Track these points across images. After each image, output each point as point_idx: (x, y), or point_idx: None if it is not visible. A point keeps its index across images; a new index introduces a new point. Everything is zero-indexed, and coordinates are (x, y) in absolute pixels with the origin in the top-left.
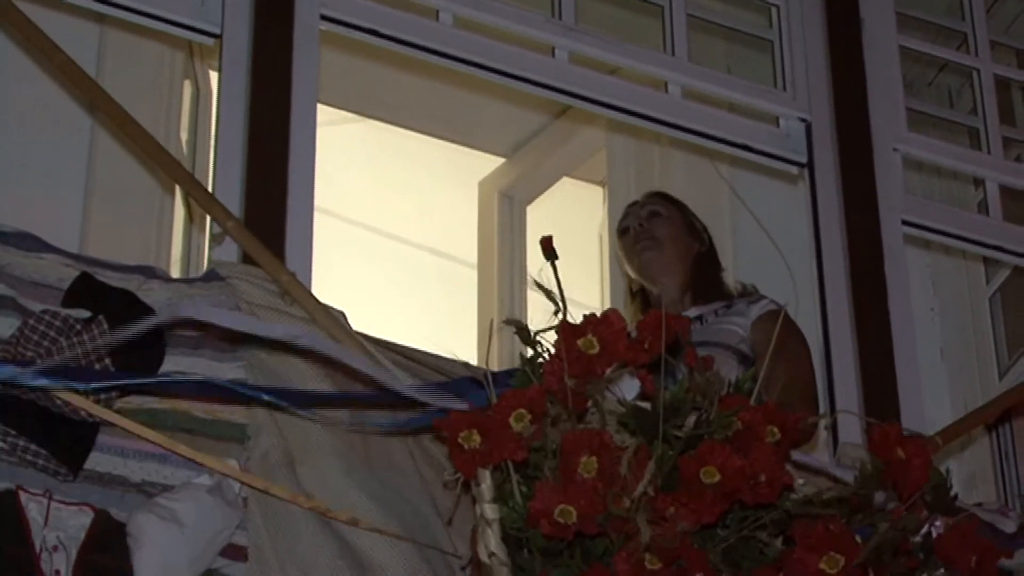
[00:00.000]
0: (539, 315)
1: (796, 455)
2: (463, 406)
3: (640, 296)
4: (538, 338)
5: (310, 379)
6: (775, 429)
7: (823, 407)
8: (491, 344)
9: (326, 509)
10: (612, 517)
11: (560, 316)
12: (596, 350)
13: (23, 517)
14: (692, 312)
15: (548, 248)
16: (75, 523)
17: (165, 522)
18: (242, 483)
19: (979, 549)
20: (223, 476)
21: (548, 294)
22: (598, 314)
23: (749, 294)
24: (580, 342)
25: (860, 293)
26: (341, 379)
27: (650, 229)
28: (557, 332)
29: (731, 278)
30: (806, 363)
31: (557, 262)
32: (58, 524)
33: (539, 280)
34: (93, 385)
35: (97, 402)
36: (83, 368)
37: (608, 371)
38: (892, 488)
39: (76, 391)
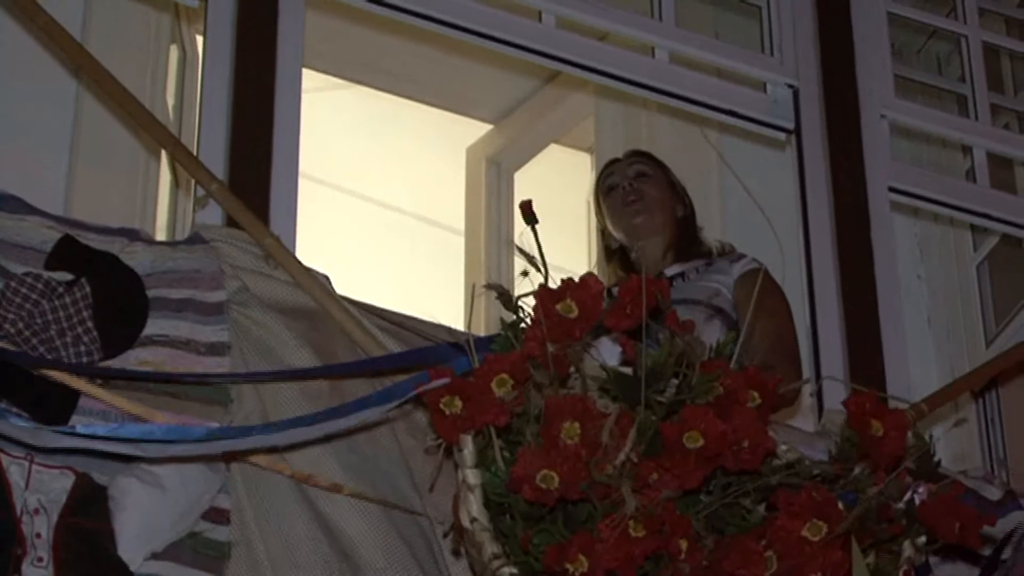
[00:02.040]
0: (526, 281)
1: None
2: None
3: (619, 255)
4: (520, 303)
5: (291, 346)
6: (755, 394)
7: (808, 372)
8: (472, 309)
9: (308, 476)
10: (595, 483)
11: (542, 280)
12: (574, 314)
13: (4, 480)
14: (673, 269)
15: (528, 212)
16: (57, 486)
17: (147, 485)
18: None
19: (962, 516)
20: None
21: (530, 259)
22: (575, 279)
23: (729, 252)
24: (559, 306)
25: (847, 260)
26: (321, 346)
27: (640, 189)
28: (535, 297)
29: (711, 237)
30: (788, 322)
31: (543, 229)
32: (40, 487)
33: (520, 245)
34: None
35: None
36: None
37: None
38: (870, 458)
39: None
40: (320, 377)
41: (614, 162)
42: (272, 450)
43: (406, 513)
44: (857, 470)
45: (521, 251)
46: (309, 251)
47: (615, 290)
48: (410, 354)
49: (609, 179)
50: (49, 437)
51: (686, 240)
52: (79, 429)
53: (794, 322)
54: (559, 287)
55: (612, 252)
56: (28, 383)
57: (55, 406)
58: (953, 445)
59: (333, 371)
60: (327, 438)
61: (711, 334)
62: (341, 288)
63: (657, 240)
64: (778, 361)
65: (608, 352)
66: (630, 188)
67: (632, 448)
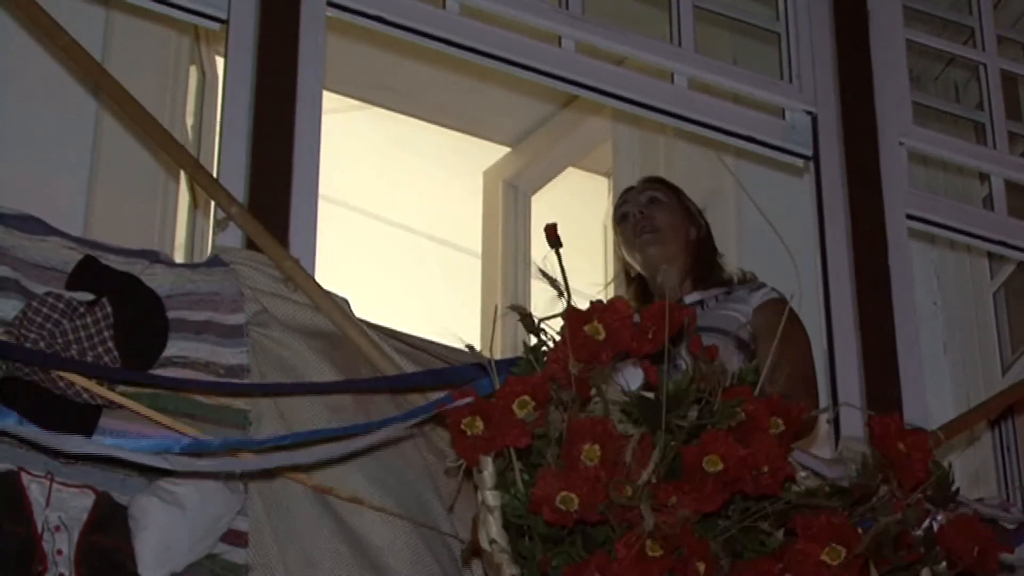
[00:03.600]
0: (543, 304)
1: (799, 455)
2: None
3: (638, 281)
4: (542, 326)
5: (312, 365)
6: (779, 420)
7: (826, 400)
8: (495, 331)
9: (329, 488)
10: (614, 505)
11: (564, 304)
12: (602, 337)
13: (25, 497)
14: (693, 297)
15: (552, 235)
16: (77, 504)
17: (167, 505)
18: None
19: (982, 540)
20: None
21: (552, 281)
22: (603, 302)
23: (749, 281)
24: (586, 328)
25: (864, 286)
26: (342, 362)
27: (651, 217)
28: (562, 319)
29: (733, 265)
30: (808, 354)
31: (561, 251)
32: (60, 505)
33: (543, 268)
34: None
35: (100, 385)
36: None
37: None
38: (892, 481)
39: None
40: (343, 391)
41: (629, 190)
42: (295, 468)
43: (430, 522)
44: (880, 493)
45: (544, 274)
46: (327, 272)
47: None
48: (434, 374)
49: (622, 207)
50: (74, 443)
51: (704, 265)
52: (106, 442)
53: (812, 353)
54: (587, 309)
55: (631, 278)
56: (49, 402)
57: (75, 426)
58: (968, 470)
59: (356, 386)
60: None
61: (728, 360)
62: (357, 310)
63: (673, 267)
64: (797, 391)
65: (630, 376)
66: (641, 216)
67: (654, 471)
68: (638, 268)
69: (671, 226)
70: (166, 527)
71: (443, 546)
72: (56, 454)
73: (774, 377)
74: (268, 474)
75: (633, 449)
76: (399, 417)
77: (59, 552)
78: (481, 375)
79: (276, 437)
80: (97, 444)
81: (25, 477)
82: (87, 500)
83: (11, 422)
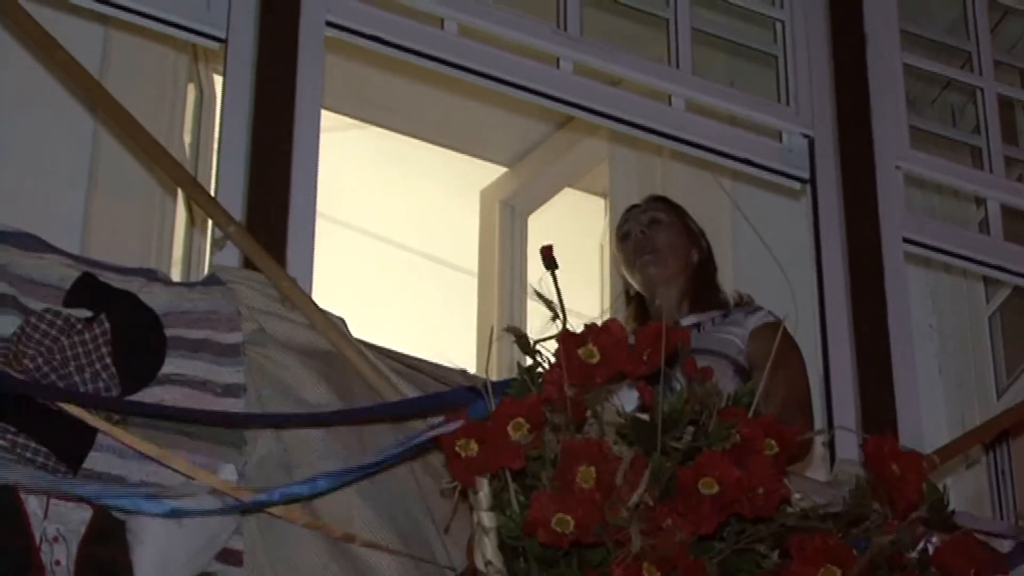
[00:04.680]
0: (539, 324)
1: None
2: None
3: (637, 300)
4: (537, 347)
5: (308, 384)
6: (773, 442)
7: (821, 423)
8: (491, 353)
9: (321, 525)
10: (608, 526)
11: (559, 325)
12: (596, 359)
13: (23, 509)
14: (690, 320)
15: (548, 257)
16: (75, 517)
17: (166, 520)
18: (236, 498)
19: (978, 561)
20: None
21: (548, 303)
22: (598, 324)
23: (746, 304)
24: (581, 351)
25: (860, 309)
26: (338, 381)
27: (652, 238)
28: (557, 341)
29: (729, 287)
30: (803, 377)
31: (557, 272)
32: (58, 517)
33: (539, 289)
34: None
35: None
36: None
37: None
38: (886, 502)
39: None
40: (336, 423)
41: (632, 208)
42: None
43: (423, 543)
44: (874, 513)
45: (540, 296)
46: (324, 292)
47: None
48: (428, 399)
49: (624, 226)
50: (67, 485)
51: (702, 287)
52: (104, 494)
53: (807, 376)
54: (582, 332)
55: (630, 298)
56: (47, 417)
57: (73, 441)
58: (964, 495)
59: (351, 417)
60: None
61: (722, 382)
62: (354, 329)
63: (672, 288)
64: (791, 415)
65: (625, 398)
66: (642, 237)
67: (645, 491)
68: (637, 288)
69: (672, 247)
70: (164, 542)
71: (435, 567)
72: (54, 470)
73: (769, 400)
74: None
75: (625, 471)
76: (397, 448)
77: (57, 563)
78: (477, 397)
79: (283, 487)
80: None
81: (22, 491)
82: (85, 514)
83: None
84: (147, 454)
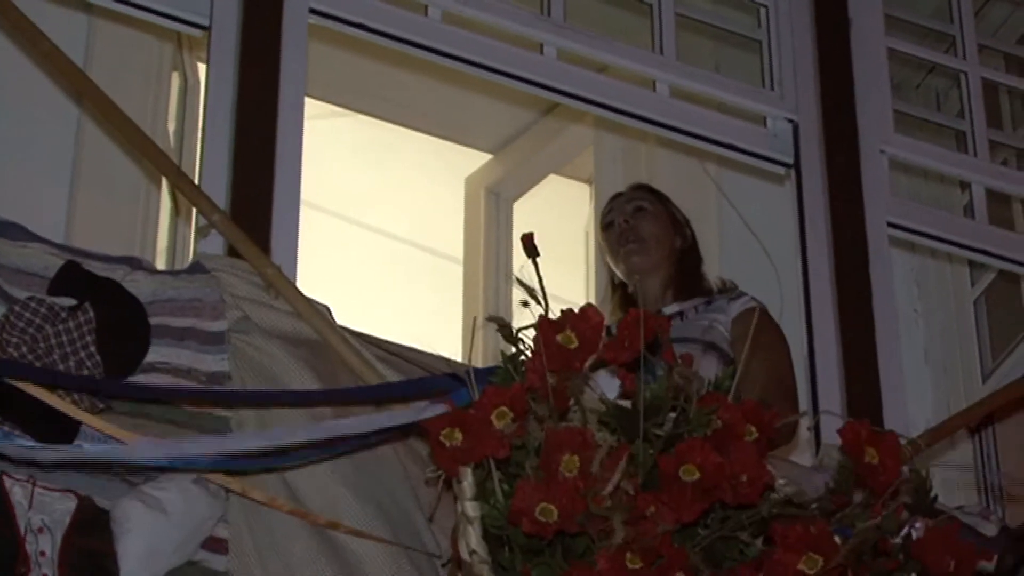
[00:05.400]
0: (524, 312)
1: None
2: (442, 408)
3: (621, 288)
4: (520, 335)
5: (293, 372)
6: (752, 428)
7: (806, 407)
8: (474, 340)
9: (306, 513)
10: (592, 516)
11: (541, 312)
12: (575, 345)
13: (7, 500)
14: (673, 308)
15: (529, 245)
16: (60, 508)
17: (150, 509)
18: (220, 485)
19: (957, 552)
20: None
21: (530, 291)
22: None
23: (730, 290)
24: (559, 337)
25: (845, 294)
26: (323, 369)
27: (636, 227)
28: (536, 328)
29: (712, 274)
30: (786, 360)
31: (542, 259)
32: (43, 508)
33: (521, 277)
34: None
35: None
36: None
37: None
38: (865, 485)
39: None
40: (322, 404)
41: (616, 197)
42: (274, 469)
43: (410, 530)
44: (856, 500)
45: (521, 283)
46: (308, 279)
47: (614, 328)
48: (411, 384)
49: (609, 215)
50: (53, 454)
51: (686, 275)
52: (86, 449)
53: (791, 360)
54: (559, 318)
55: (615, 285)
56: (32, 410)
57: (58, 428)
58: (952, 482)
59: (334, 397)
60: (334, 462)
61: (707, 369)
62: (339, 316)
63: (655, 277)
64: (775, 399)
65: (607, 385)
66: (626, 225)
67: (622, 478)
68: (621, 276)
69: (655, 236)
70: (149, 531)
71: (423, 555)
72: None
73: (752, 384)
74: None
75: (602, 459)
76: (378, 426)
77: (42, 553)
78: (460, 385)
79: (264, 459)
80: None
81: (7, 480)
82: (70, 503)
83: None
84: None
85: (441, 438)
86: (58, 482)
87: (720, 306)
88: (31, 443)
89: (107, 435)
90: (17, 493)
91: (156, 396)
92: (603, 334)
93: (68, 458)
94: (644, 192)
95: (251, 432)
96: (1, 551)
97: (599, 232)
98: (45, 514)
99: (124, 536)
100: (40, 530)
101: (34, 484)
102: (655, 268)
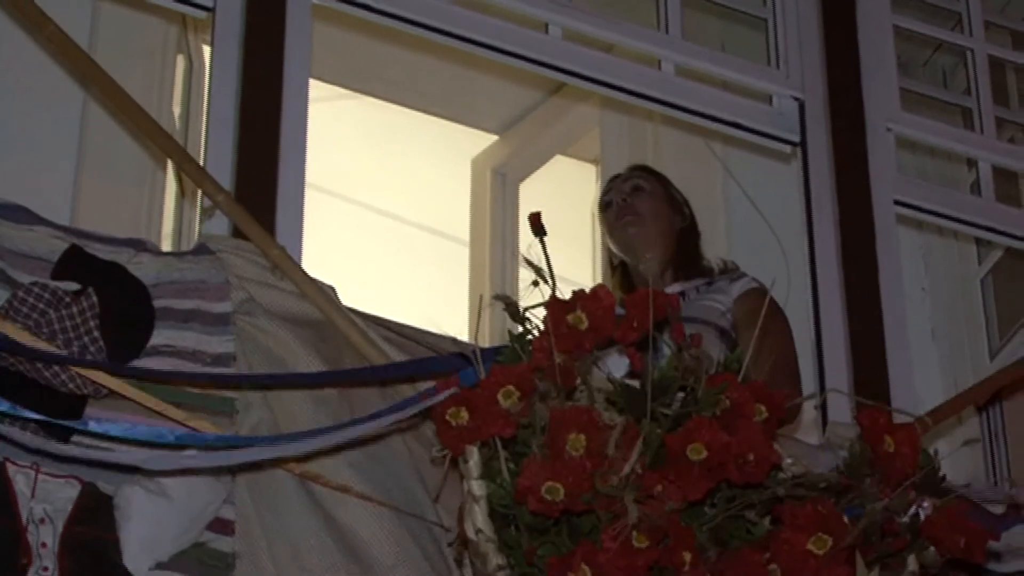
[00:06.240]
0: (531, 292)
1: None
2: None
3: (621, 270)
4: (527, 315)
5: (299, 353)
6: (762, 408)
7: (812, 386)
8: (479, 320)
9: (316, 475)
10: (599, 495)
11: (549, 292)
12: (585, 325)
13: (10, 489)
14: (674, 288)
15: (536, 224)
16: (62, 496)
17: (152, 495)
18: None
19: (968, 531)
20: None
21: (537, 271)
22: (586, 291)
23: (730, 271)
24: (569, 317)
25: (851, 272)
26: (328, 350)
27: (633, 204)
28: (545, 308)
29: (719, 253)
30: (789, 342)
31: (549, 240)
32: (45, 496)
33: (528, 257)
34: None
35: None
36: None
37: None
38: (880, 474)
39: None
40: (328, 385)
41: (614, 178)
42: (283, 460)
43: (415, 510)
44: (865, 483)
45: (529, 263)
46: (314, 261)
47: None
48: (417, 363)
49: (607, 195)
50: (61, 446)
51: (685, 255)
52: (92, 426)
53: (794, 342)
54: (570, 299)
55: (614, 268)
56: (35, 394)
57: (62, 413)
58: (959, 461)
59: (340, 378)
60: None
61: (710, 350)
62: (345, 298)
63: (654, 255)
64: (779, 381)
65: (614, 365)
66: (623, 204)
67: (637, 460)
68: (619, 253)
69: (652, 213)
70: (152, 517)
71: (429, 536)
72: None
73: (756, 366)
74: (255, 465)
75: (616, 439)
76: (386, 412)
77: (43, 545)
78: (466, 364)
79: (269, 437)
80: (83, 443)
81: (11, 468)
82: (72, 491)
83: (4, 408)
84: (146, 405)
85: (447, 417)
86: (62, 468)
87: (721, 287)
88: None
89: (114, 416)
90: (20, 482)
91: (160, 378)
92: (615, 314)
93: (96, 457)
94: (642, 172)
95: (263, 442)
96: (3, 543)
97: (598, 214)
98: (48, 503)
99: (126, 523)
100: (42, 521)
101: (38, 471)
102: (652, 244)
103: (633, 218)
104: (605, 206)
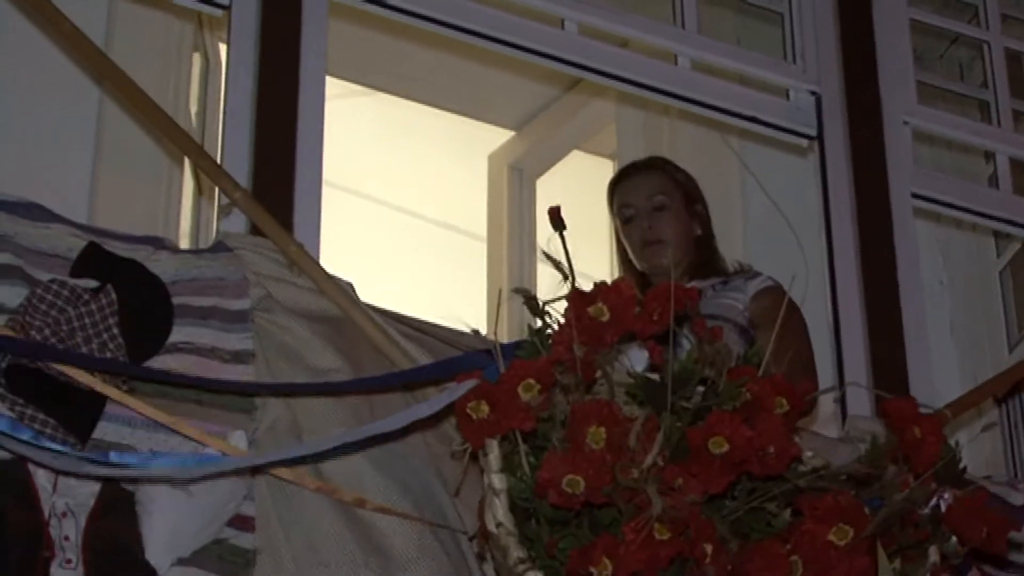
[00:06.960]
0: (548, 287)
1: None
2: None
3: (632, 267)
4: (546, 308)
5: (316, 348)
6: (783, 400)
7: (832, 380)
8: (499, 314)
9: (333, 490)
10: (619, 487)
11: (568, 286)
12: (606, 318)
13: (32, 484)
14: (691, 286)
15: (556, 218)
16: (84, 491)
17: (175, 492)
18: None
19: (990, 521)
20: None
21: (556, 264)
22: (608, 284)
23: (745, 271)
24: (590, 310)
25: (869, 266)
26: (346, 348)
27: (657, 229)
28: (566, 301)
29: (739, 245)
30: (805, 338)
31: (566, 234)
32: (67, 491)
33: (547, 251)
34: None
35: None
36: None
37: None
38: (903, 463)
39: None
40: (349, 393)
41: (630, 176)
42: (303, 461)
43: (434, 506)
44: (889, 473)
45: (548, 257)
46: (331, 258)
47: None
48: (439, 366)
49: (626, 209)
50: (76, 465)
51: (702, 260)
52: (113, 458)
53: (810, 339)
54: (591, 291)
55: (628, 264)
56: (55, 388)
57: (81, 411)
58: (978, 450)
59: (363, 386)
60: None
61: (735, 350)
62: (363, 294)
63: (673, 261)
64: (796, 376)
65: (634, 358)
66: (648, 230)
67: (659, 453)
68: (641, 270)
69: (678, 234)
70: (173, 513)
71: (448, 533)
72: (63, 440)
73: (774, 362)
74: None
75: (638, 432)
76: (411, 420)
77: (66, 538)
78: (488, 362)
79: (295, 451)
80: (102, 467)
81: (31, 464)
82: (94, 486)
83: (26, 437)
84: (158, 420)
85: (468, 411)
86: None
87: (738, 285)
88: (80, 454)
89: (132, 415)
90: (41, 476)
91: (178, 382)
92: (636, 307)
93: (118, 474)
94: (660, 178)
95: (284, 446)
96: (26, 536)
97: (615, 218)
98: (69, 497)
99: (148, 518)
100: (64, 515)
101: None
102: (677, 263)
103: (659, 247)
104: (626, 220)
